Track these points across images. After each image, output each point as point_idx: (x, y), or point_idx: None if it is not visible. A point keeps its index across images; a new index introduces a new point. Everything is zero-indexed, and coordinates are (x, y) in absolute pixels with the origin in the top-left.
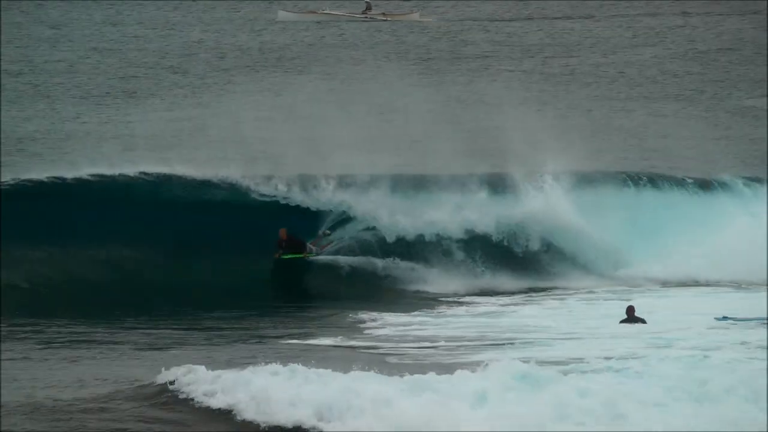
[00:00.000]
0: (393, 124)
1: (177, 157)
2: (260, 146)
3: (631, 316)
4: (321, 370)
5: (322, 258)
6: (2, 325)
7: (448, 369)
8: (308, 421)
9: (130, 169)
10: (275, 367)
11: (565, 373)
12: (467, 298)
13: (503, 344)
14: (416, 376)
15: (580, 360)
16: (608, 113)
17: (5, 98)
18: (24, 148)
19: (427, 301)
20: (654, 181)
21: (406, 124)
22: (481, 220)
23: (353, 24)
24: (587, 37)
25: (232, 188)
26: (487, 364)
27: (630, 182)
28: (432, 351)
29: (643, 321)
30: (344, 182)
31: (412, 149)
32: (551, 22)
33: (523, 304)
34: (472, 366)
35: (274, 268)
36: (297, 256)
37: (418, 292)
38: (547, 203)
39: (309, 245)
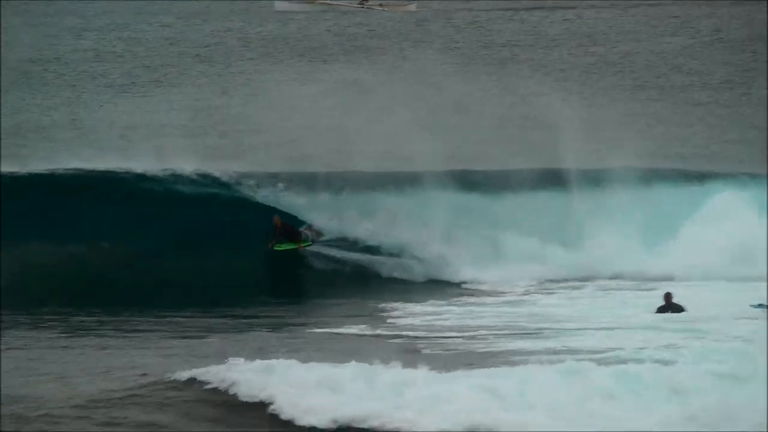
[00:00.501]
0: (418, 113)
1: (202, 145)
2: (286, 135)
3: (668, 303)
4: (363, 365)
5: (328, 252)
6: (25, 315)
7: (483, 359)
8: (355, 419)
9: (158, 163)
10: (315, 362)
11: (607, 364)
12: (485, 287)
13: (533, 334)
14: (469, 370)
15: (618, 350)
16: (635, 103)
17: (30, 86)
18: (49, 136)
19: (445, 289)
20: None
21: (433, 114)
22: (549, 272)
23: (378, 14)
24: (611, 26)
25: (259, 184)
26: (533, 359)
27: (683, 179)
28: (461, 340)
29: (681, 308)
30: (380, 185)
31: (443, 141)
32: (577, 11)
33: (547, 293)
34: (505, 355)
35: (268, 259)
36: (291, 247)
37: (433, 280)
38: (617, 250)
39: (304, 231)
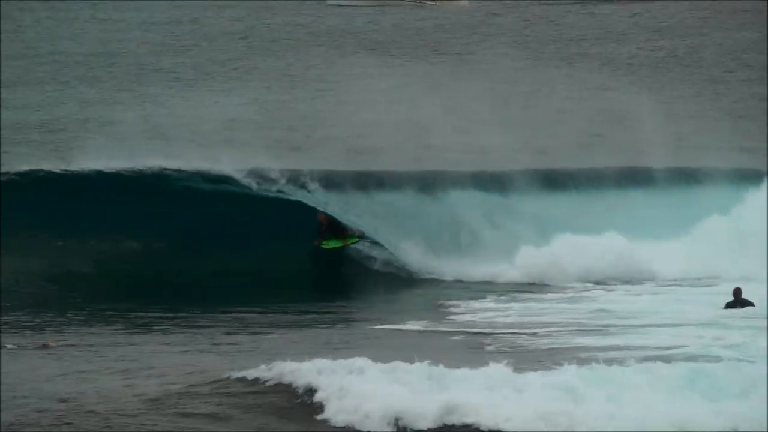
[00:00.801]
0: (488, 108)
1: (270, 140)
2: (355, 130)
3: (738, 299)
4: (431, 364)
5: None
6: (85, 311)
7: (550, 356)
8: (424, 421)
9: (226, 161)
10: (381, 361)
11: (675, 362)
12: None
13: (597, 331)
14: (539, 368)
15: (685, 347)
16: (702, 97)
17: (97, 80)
18: (111, 133)
19: (501, 285)
20: None
21: (503, 109)
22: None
23: (446, 9)
24: (679, 21)
25: (323, 184)
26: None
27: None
28: (527, 337)
29: (750, 303)
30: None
31: (515, 135)
32: (645, 5)
33: (608, 290)
34: (572, 352)
35: (313, 256)
36: (338, 244)
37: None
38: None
39: (350, 227)
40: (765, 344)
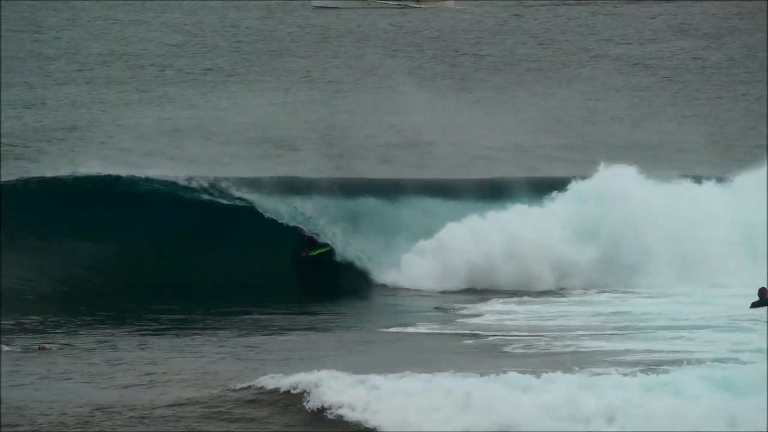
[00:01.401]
0: (514, 111)
1: (283, 139)
2: (375, 134)
3: (763, 299)
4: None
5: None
6: (98, 316)
7: (572, 361)
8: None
9: (245, 165)
10: (408, 371)
11: (693, 365)
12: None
13: (615, 334)
14: (565, 373)
15: (702, 352)
16: (727, 99)
17: (116, 81)
18: (123, 134)
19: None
20: None
21: (529, 112)
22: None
23: (469, 10)
24: (703, 20)
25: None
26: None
27: None
28: (547, 340)
29: None
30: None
31: (542, 138)
32: (663, 5)
33: (621, 292)
34: (594, 356)
35: (301, 267)
36: (322, 250)
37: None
38: None
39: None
40: None
